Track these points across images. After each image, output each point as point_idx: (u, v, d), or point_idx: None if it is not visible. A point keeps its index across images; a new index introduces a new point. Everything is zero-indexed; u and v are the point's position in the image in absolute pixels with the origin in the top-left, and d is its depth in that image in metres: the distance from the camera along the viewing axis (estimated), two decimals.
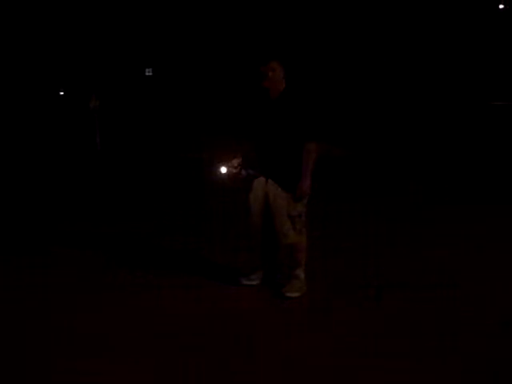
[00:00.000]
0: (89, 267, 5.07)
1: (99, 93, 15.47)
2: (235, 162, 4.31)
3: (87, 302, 4.30)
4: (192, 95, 29.26)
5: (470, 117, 19.57)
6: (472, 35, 30.51)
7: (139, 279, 4.72)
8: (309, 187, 4.16)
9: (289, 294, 4.26)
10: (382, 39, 31.35)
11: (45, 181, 9.50)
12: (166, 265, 5.08)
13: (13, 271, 4.99)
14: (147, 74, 35.79)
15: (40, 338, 3.73)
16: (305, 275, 4.37)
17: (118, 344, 3.62)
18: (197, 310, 4.12)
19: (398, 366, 3.27)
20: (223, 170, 4.31)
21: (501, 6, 30.92)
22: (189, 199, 7.77)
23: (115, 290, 4.51)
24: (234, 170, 4.30)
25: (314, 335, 3.72)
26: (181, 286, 4.56)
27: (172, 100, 27.95)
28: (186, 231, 6.17)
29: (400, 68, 31.12)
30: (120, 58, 35.09)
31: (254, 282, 4.50)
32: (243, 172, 4.30)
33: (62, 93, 34.84)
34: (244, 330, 3.81)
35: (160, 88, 32.77)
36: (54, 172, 10.38)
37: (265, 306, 4.22)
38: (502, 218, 6.50)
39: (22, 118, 21.33)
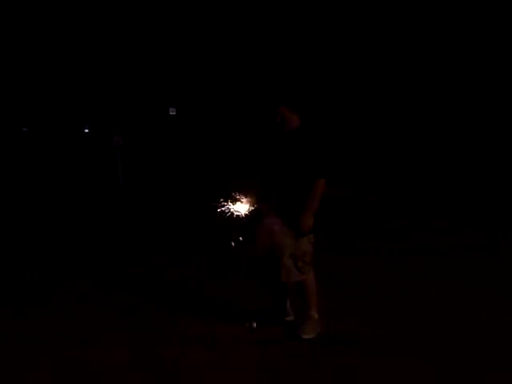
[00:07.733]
0: (103, 306, 5.11)
1: (123, 131, 15.78)
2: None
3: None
4: (215, 134, 29.60)
5: (489, 160, 19.35)
6: (493, 78, 30.54)
7: (151, 321, 4.72)
8: (308, 223, 4.08)
9: (305, 336, 4.22)
10: (399, 82, 31.54)
11: (66, 216, 9.63)
12: (178, 308, 5.02)
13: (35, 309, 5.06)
14: (171, 113, 36.45)
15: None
16: (318, 315, 4.33)
17: None
18: (210, 355, 4.09)
19: None
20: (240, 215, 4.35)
21: None
22: (207, 239, 7.73)
23: (135, 330, 4.51)
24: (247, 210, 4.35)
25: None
26: (192, 331, 4.48)
27: (195, 139, 28.29)
28: (202, 274, 6.08)
29: (420, 110, 31.18)
30: (145, 97, 35.91)
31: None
32: (253, 209, 4.34)
33: (86, 130, 35.69)
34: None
35: (183, 127, 33.28)
36: (75, 208, 10.53)
37: (277, 348, 4.17)
38: None
39: (47, 154, 21.82)
